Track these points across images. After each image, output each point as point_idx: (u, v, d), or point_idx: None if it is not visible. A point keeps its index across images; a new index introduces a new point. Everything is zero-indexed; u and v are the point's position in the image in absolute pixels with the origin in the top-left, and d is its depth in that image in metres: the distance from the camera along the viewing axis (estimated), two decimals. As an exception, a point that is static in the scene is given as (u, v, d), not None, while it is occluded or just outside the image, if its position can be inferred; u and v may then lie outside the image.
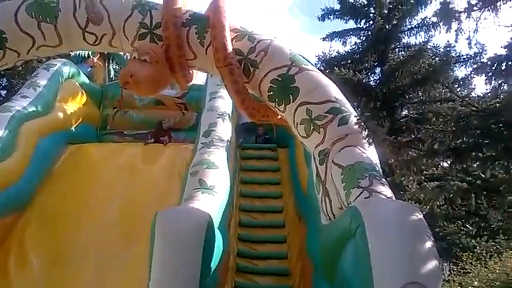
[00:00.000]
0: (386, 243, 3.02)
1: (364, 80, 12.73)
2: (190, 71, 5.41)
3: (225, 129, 7.93)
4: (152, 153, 9.73)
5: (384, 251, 2.98)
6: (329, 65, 14.23)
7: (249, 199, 8.46)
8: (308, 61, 5.26)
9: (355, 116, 4.62)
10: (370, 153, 4.46)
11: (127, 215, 7.96)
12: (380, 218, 3.23)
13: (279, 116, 5.27)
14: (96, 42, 5.25)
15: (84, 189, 8.48)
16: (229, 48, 4.90)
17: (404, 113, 13.19)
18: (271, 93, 4.89)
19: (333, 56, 14.61)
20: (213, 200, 5.70)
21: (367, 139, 4.46)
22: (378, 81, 13.28)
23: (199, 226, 4.17)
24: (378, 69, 13.59)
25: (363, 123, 4.48)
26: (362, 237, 3.15)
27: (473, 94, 13.80)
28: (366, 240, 3.09)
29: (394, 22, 12.68)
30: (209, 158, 6.69)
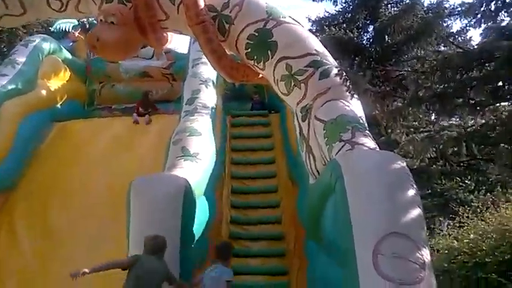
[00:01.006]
0: (366, 194, 2.86)
1: (356, 39, 12.31)
2: (164, 33, 5.14)
3: (209, 96, 7.71)
4: (141, 126, 9.53)
5: (364, 202, 2.82)
6: (320, 25, 13.77)
7: (241, 166, 8.29)
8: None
9: (336, 68, 4.38)
10: (354, 106, 4.26)
11: (116, 189, 7.73)
12: (360, 169, 3.05)
13: (260, 75, 5.03)
14: (62, 9, 4.98)
15: (72, 166, 8.32)
16: (201, 4, 4.63)
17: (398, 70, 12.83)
18: (249, 50, 4.65)
19: (323, 16, 14.13)
20: (196, 166, 5.54)
21: (349, 91, 4.25)
22: (370, 40, 12.87)
23: (176, 192, 4.00)
24: (370, 28, 13.14)
25: (344, 75, 4.25)
26: (341, 191, 2.99)
27: (468, 47, 13.47)
28: (345, 193, 2.92)
29: (384, -24, 12.20)
30: (192, 125, 6.50)
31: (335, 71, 4.33)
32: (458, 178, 9.82)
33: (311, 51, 4.46)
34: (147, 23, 4.78)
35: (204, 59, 8.65)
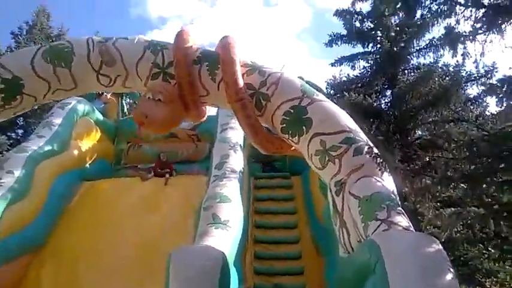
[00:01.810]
0: (405, 278, 2.96)
1: (374, 104, 12.67)
2: (203, 107, 5.47)
3: (237, 161, 7.96)
4: (167, 187, 9.77)
5: (404, 285, 2.91)
6: (339, 89, 14.22)
7: (263, 230, 8.37)
8: (319, 88, 5.26)
9: (367, 145, 4.60)
10: (387, 183, 4.41)
11: (143, 252, 7.94)
12: (398, 253, 3.16)
13: (293, 148, 5.27)
14: (110, 84, 5.35)
15: (99, 226, 8.52)
16: (241, 83, 4.95)
17: (417, 134, 13.06)
18: (284, 125, 4.90)
19: (342, 80, 14.63)
20: (226, 235, 5.68)
21: (381, 167, 4.43)
22: (388, 104, 13.21)
23: (214, 266, 4.13)
24: (388, 92, 13.53)
25: (375, 152, 4.45)
26: (381, 273, 3.09)
27: (486, 112, 13.71)
28: (385, 276, 3.02)
29: (402, 44, 12.70)
30: (222, 191, 6.69)
31: (369, 148, 4.55)
32: (481, 245, 9.69)
33: (344, 128, 4.70)
34: (190, 99, 5.13)
35: (232, 124, 9.12)
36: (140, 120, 4.84)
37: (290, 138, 4.95)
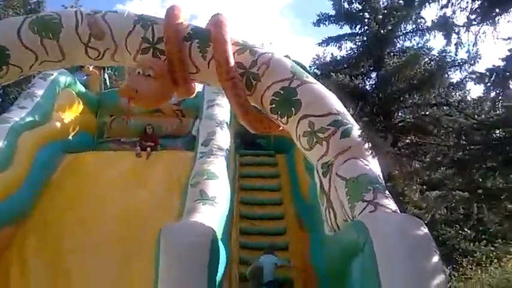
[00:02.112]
0: (393, 259, 3.09)
1: (360, 85, 12.80)
2: (193, 84, 5.46)
3: (224, 138, 7.98)
4: (150, 160, 9.73)
5: (392, 267, 3.05)
6: (325, 69, 14.28)
7: (249, 206, 8.49)
8: (304, 67, 5.28)
9: (358, 129, 4.68)
10: (373, 165, 4.53)
11: (126, 224, 7.96)
12: (386, 234, 3.29)
13: (281, 128, 5.33)
14: (99, 57, 5.28)
15: (82, 198, 8.47)
16: (232, 62, 4.95)
17: (399, 117, 13.28)
18: (274, 105, 4.95)
19: (328, 61, 14.69)
20: (214, 211, 5.75)
21: (370, 151, 4.53)
22: (373, 86, 13.36)
23: (204, 242, 4.19)
24: (373, 74, 13.66)
25: (365, 135, 4.55)
26: (370, 254, 3.22)
27: (468, 98, 14.02)
28: (373, 256, 3.15)
29: (389, 27, 12.77)
30: (209, 168, 6.73)
31: (356, 131, 4.64)
32: (458, 225, 10.08)
33: (333, 111, 4.77)
34: (179, 76, 5.10)
35: (219, 101, 9.10)
36: (130, 95, 4.81)
37: (279, 118, 5.00)
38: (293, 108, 4.82)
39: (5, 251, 7.34)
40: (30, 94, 9.18)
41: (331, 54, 18.43)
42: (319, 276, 5.87)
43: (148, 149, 9.83)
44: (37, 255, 7.44)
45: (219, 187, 6.32)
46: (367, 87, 13.41)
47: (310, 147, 4.73)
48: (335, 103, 4.90)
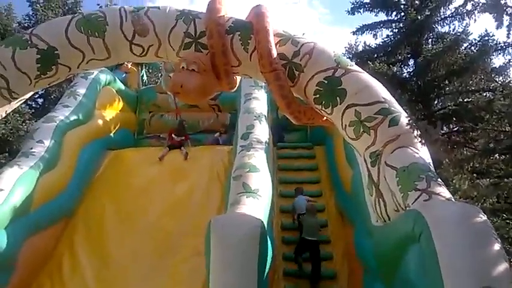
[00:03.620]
0: (454, 248, 3.01)
1: (398, 73, 12.52)
2: (234, 77, 5.47)
3: (262, 131, 7.98)
4: (190, 155, 9.84)
5: (453, 256, 2.97)
6: (360, 58, 14.05)
7: (289, 199, 8.45)
8: None
9: (406, 116, 4.58)
10: (423, 153, 4.43)
11: (168, 217, 8.13)
12: (444, 222, 3.21)
13: (324, 118, 5.27)
14: (143, 54, 5.36)
15: (125, 193, 8.69)
16: (274, 53, 4.93)
17: (440, 104, 12.92)
18: (318, 96, 4.89)
19: (363, 49, 14.40)
20: (258, 203, 5.76)
21: (419, 139, 4.43)
22: (411, 74, 13.03)
23: (255, 233, 4.23)
24: (411, 62, 13.33)
25: (412, 123, 4.45)
26: (428, 242, 3.14)
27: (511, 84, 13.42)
28: (432, 244, 3.08)
29: (427, 12, 12.38)
30: (250, 161, 6.74)
31: (404, 119, 4.53)
32: (504, 215, 9.72)
33: (379, 99, 4.68)
34: (222, 69, 5.12)
35: (256, 94, 9.11)
36: (176, 90, 4.86)
37: (323, 109, 4.95)
38: (338, 98, 4.75)
39: (57, 245, 7.65)
40: (73, 93, 9.45)
41: (364, 42, 18.14)
42: (365, 267, 5.79)
43: (183, 148, 9.83)
44: (85, 248, 7.70)
45: (261, 180, 6.32)
46: (404, 74, 13.11)
47: (357, 136, 4.66)
48: (381, 91, 4.80)
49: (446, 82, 12.03)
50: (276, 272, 6.75)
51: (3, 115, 5.61)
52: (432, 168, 4.29)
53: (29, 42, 5.13)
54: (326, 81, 4.83)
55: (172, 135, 10.14)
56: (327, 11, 50.91)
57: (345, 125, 4.77)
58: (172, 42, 5.26)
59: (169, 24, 5.24)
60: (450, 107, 10.62)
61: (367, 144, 4.59)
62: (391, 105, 4.67)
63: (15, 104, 5.47)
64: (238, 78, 5.66)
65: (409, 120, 4.38)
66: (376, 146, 4.51)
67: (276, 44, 5.03)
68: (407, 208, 3.85)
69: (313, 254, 7.04)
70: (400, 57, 13.18)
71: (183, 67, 4.95)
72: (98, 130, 9.76)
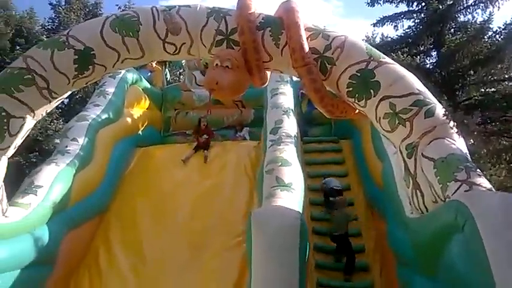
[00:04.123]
0: (501, 238, 3.02)
1: (421, 64, 12.37)
2: (266, 73, 5.53)
3: (291, 126, 8.03)
4: (216, 151, 9.97)
5: (501, 245, 2.98)
6: (381, 50, 13.88)
7: (318, 193, 8.51)
8: None
9: (442, 108, 4.58)
10: (460, 144, 4.43)
11: (199, 212, 8.28)
12: (488, 212, 3.22)
13: (357, 111, 5.30)
14: (176, 52, 5.46)
15: (155, 189, 8.88)
16: (306, 47, 4.97)
17: (464, 95, 12.72)
18: (350, 89, 4.92)
19: (384, 41, 14.25)
20: (292, 197, 5.83)
21: (455, 130, 4.43)
22: (434, 64, 12.85)
23: (295, 226, 4.30)
24: (433, 52, 13.13)
25: (448, 114, 4.45)
26: (472, 233, 3.16)
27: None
28: (478, 235, 3.10)
29: (449, 2, 12.18)
30: (281, 155, 6.82)
31: (440, 110, 4.54)
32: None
33: (414, 91, 4.68)
34: (254, 65, 5.19)
35: (282, 90, 9.17)
36: (211, 87, 4.95)
37: (356, 101, 4.97)
38: (372, 90, 4.77)
39: (92, 241, 7.88)
40: (103, 92, 9.67)
41: (381, 34, 17.98)
42: (399, 258, 5.81)
43: (205, 151, 9.66)
44: (120, 243, 7.91)
45: (294, 173, 6.39)
46: (427, 65, 12.93)
47: (392, 129, 4.68)
48: (415, 82, 4.80)
49: (471, 72, 11.83)
50: (310, 264, 6.83)
51: (44, 114, 5.79)
52: (469, 159, 4.29)
53: (66, 43, 5.27)
54: (359, 74, 4.85)
55: (198, 137, 10.01)
56: (341, 4, 50.46)
57: (379, 118, 4.79)
58: (204, 40, 5.34)
59: (200, 22, 5.31)
60: (476, 97, 10.45)
61: (403, 136, 4.61)
62: (426, 97, 4.67)
63: (54, 104, 5.64)
64: (269, 73, 5.73)
65: (445, 111, 4.37)
66: (412, 138, 4.52)
67: (307, 38, 5.07)
68: (447, 199, 3.86)
69: (344, 247, 7.08)
70: (422, 48, 13.01)
71: (216, 64, 5.03)
72: (127, 128, 9.97)
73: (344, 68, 4.96)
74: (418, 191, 4.43)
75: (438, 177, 4.06)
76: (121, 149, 9.35)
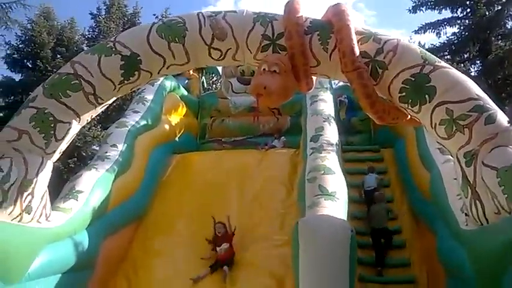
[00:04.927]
0: None
1: (467, 71, 11.98)
2: (312, 78, 5.39)
3: (332, 133, 7.84)
4: (251, 159, 9.86)
5: None
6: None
7: (358, 204, 8.24)
8: None
9: (499, 113, 4.32)
10: (524, 153, 4.14)
11: (235, 220, 8.15)
12: None
13: (409, 117, 5.08)
14: (221, 57, 5.39)
15: (192, 196, 8.83)
16: (357, 51, 4.80)
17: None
18: (404, 94, 4.71)
19: (427, 48, 13.91)
20: (337, 206, 5.64)
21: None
22: (479, 72, 12.44)
23: (345, 237, 4.12)
24: (477, 60, 12.72)
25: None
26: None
27: None
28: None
29: (498, 7, 11.77)
30: (324, 163, 6.64)
31: (502, 116, 4.27)
32: None
33: (473, 96, 4.44)
34: (302, 70, 5.06)
35: (322, 96, 9.00)
36: (259, 92, 4.84)
37: (409, 107, 4.75)
38: (427, 96, 4.55)
39: (130, 246, 7.87)
40: (142, 99, 9.76)
41: (419, 42, 17.51)
42: (450, 272, 5.50)
43: (226, 269, 7.12)
44: (156, 250, 7.86)
45: (337, 182, 6.20)
46: (472, 73, 12.52)
47: (449, 136, 4.43)
48: (473, 87, 4.55)
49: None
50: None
51: (89, 120, 5.83)
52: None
53: (113, 49, 5.29)
54: (413, 79, 4.64)
55: (216, 248, 7.41)
56: (373, 13, 49.97)
57: (435, 124, 4.55)
58: (250, 45, 5.24)
59: (246, 27, 5.23)
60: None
61: (461, 144, 4.36)
62: (486, 102, 4.42)
63: (99, 109, 5.67)
64: (314, 79, 5.58)
65: (509, 118, 4.10)
66: (472, 145, 4.27)
67: (357, 42, 4.91)
68: (515, 211, 3.60)
69: (380, 241, 7.32)
70: (467, 56, 12.62)
71: (264, 69, 4.92)
72: (164, 134, 10.03)
73: (397, 73, 4.75)
74: (477, 201, 4.16)
75: (502, 187, 3.80)
76: (158, 155, 9.39)
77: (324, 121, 7.99)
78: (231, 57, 5.42)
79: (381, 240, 7.35)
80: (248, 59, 5.43)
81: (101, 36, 18.13)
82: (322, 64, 5.12)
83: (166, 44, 5.28)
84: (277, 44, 5.16)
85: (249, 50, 5.29)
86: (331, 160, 6.73)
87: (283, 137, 11.00)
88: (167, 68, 5.48)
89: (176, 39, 5.27)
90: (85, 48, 19.07)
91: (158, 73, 5.56)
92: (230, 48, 5.33)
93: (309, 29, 5.08)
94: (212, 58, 5.44)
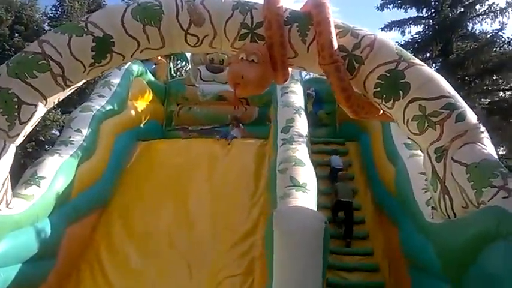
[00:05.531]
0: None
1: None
2: (288, 69, 5.38)
3: (302, 125, 7.91)
4: (219, 148, 9.81)
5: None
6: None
7: (324, 196, 8.37)
8: None
9: (471, 111, 4.49)
10: (491, 150, 4.34)
11: (201, 208, 8.13)
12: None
13: (381, 112, 5.18)
14: (197, 44, 5.28)
15: (156, 184, 8.69)
16: (335, 45, 4.83)
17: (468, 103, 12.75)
18: (378, 89, 4.79)
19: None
20: (308, 198, 5.70)
21: (486, 135, 4.35)
22: (439, 71, 12.87)
23: (319, 228, 4.17)
24: (439, 59, 13.17)
25: (479, 119, 4.37)
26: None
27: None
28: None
29: (461, 9, 12.22)
30: (295, 154, 6.70)
31: (471, 114, 4.45)
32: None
33: (445, 94, 4.58)
34: (279, 60, 5.04)
35: (293, 88, 9.04)
36: (236, 81, 4.79)
37: (383, 102, 4.85)
38: (401, 92, 4.65)
39: (93, 234, 7.66)
40: (107, 83, 9.44)
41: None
42: (414, 264, 5.72)
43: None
44: (121, 237, 7.72)
45: (307, 174, 6.27)
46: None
47: (420, 131, 4.57)
48: (446, 85, 4.70)
49: (478, 81, 11.88)
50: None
51: (55, 103, 5.58)
52: (502, 164, 4.20)
53: (85, 29, 5.06)
54: (388, 74, 4.73)
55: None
56: (337, 9, 50.62)
57: (408, 120, 4.67)
58: (228, 33, 5.15)
59: (225, 14, 5.14)
60: (483, 105, 10.50)
61: (432, 140, 4.50)
62: (457, 100, 4.58)
63: (67, 92, 5.42)
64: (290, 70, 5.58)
65: (478, 116, 4.28)
66: (443, 141, 4.42)
67: (335, 36, 4.93)
68: (482, 205, 3.76)
69: (346, 214, 7.66)
70: (429, 55, 13.04)
71: (242, 58, 4.86)
72: (130, 120, 9.78)
73: (373, 68, 4.83)
74: (446, 195, 4.32)
75: (472, 183, 3.96)
76: (123, 141, 9.16)
77: (295, 113, 8.05)
78: (207, 44, 5.32)
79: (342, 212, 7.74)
80: (225, 47, 5.35)
81: (64, 16, 17.31)
82: (299, 56, 5.11)
83: (141, 27, 5.10)
84: (256, 34, 5.09)
85: (227, 38, 5.20)
86: (301, 152, 6.80)
87: (241, 125, 10.92)
88: (141, 52, 5.31)
89: (152, 22, 5.10)
90: (46, 27, 18.17)
91: (131, 56, 5.38)
92: (207, 35, 5.22)
93: (288, 20, 5.06)
94: (188, 44, 5.31)
